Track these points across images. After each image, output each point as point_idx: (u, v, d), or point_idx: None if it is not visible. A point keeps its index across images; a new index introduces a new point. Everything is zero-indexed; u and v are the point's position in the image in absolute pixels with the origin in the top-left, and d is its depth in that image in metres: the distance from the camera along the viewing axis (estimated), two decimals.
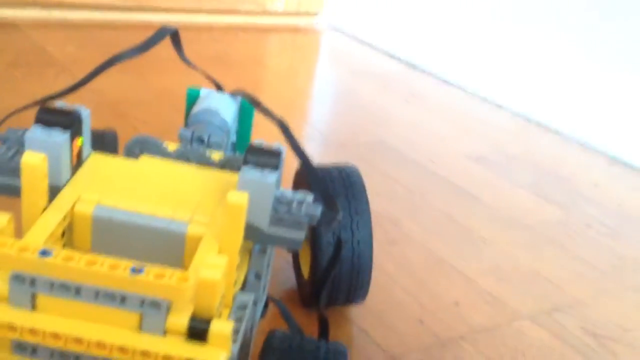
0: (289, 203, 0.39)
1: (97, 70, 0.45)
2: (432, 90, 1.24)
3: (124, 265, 0.31)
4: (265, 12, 1.43)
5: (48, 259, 0.31)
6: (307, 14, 1.49)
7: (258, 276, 0.43)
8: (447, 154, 0.96)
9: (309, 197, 0.40)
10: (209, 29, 1.33)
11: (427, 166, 0.90)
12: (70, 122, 0.38)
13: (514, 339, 0.58)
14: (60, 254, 0.31)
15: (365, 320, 0.57)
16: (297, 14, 1.47)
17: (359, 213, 0.52)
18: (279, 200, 0.39)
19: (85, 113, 0.40)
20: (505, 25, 1.21)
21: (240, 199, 0.36)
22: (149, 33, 0.49)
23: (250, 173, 0.38)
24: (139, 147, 0.45)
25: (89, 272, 0.31)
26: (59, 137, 0.38)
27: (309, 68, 1.30)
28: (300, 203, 0.39)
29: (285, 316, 0.47)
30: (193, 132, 0.49)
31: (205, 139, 0.49)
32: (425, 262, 0.67)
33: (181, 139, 0.49)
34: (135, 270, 0.31)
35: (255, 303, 0.42)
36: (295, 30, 1.47)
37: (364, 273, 0.52)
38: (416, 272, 0.65)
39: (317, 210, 0.39)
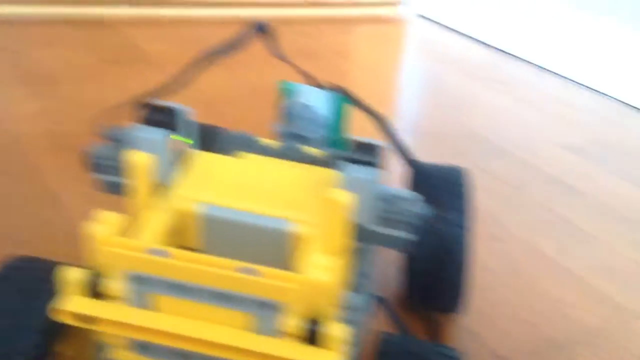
0: (394, 201, 0.37)
1: (190, 68, 0.45)
2: (524, 78, 1.20)
3: (238, 266, 0.30)
4: (350, 3, 1.41)
5: (164, 259, 0.31)
6: (393, 3, 1.46)
7: (364, 276, 0.42)
8: (543, 144, 0.92)
9: (415, 196, 0.38)
10: (293, 22, 1.33)
11: (523, 157, 0.86)
12: (172, 120, 0.38)
13: (633, 342, 0.54)
14: (175, 254, 0.31)
15: (471, 321, 0.54)
16: (383, 3, 1.45)
17: (463, 215, 0.50)
18: (384, 198, 0.37)
19: (186, 110, 0.39)
20: (597, 9, 1.15)
21: (343, 197, 0.34)
22: (236, 28, 0.47)
23: (354, 170, 0.36)
24: (236, 144, 0.44)
25: (205, 272, 0.30)
26: (162, 135, 0.37)
27: (396, 58, 1.28)
28: (407, 201, 0.37)
29: (392, 316, 0.45)
30: (289, 129, 0.48)
31: (302, 135, 0.48)
32: (529, 259, 0.64)
33: (277, 135, 0.48)
34: (250, 271, 0.30)
35: (364, 304, 0.41)
36: (381, 20, 1.45)
37: (464, 278, 0.50)
38: (521, 269, 0.62)
39: (425, 209, 0.37)
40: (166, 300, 0.32)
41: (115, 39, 1.10)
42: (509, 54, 1.30)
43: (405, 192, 0.38)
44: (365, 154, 0.37)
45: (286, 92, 0.55)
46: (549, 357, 0.51)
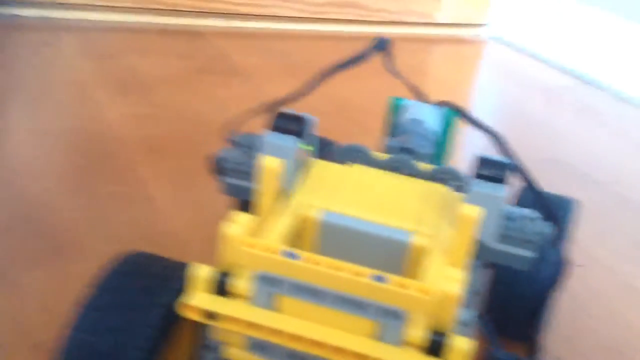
0: (517, 219, 0.38)
1: (319, 79, 0.47)
2: (607, 106, 1.18)
3: (367, 273, 0.31)
4: (430, 24, 1.42)
5: (295, 261, 0.32)
6: (473, 25, 1.47)
7: (476, 292, 0.42)
8: (632, 174, 0.90)
9: (537, 214, 0.38)
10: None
11: (611, 187, 0.85)
12: (301, 128, 0.39)
13: None
14: (305, 257, 0.32)
15: (556, 347, 0.54)
16: (462, 25, 1.45)
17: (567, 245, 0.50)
18: (506, 216, 0.38)
19: (313, 120, 0.41)
20: None
21: (473, 212, 0.35)
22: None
23: (481, 186, 0.37)
24: (350, 155, 0.46)
25: (333, 276, 0.31)
26: (292, 143, 0.38)
27: (472, 80, 1.27)
28: (530, 220, 0.38)
29: (489, 334, 0.45)
30: (399, 143, 0.49)
31: (413, 150, 0.49)
32: (616, 289, 0.63)
33: (389, 149, 0.49)
34: (378, 278, 0.31)
35: (472, 320, 0.41)
36: (459, 41, 1.45)
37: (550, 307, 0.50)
38: (607, 299, 0.62)
39: (548, 228, 0.37)
40: (291, 302, 0.33)
41: (207, 49, 1.13)
42: (587, 78, 1.28)
43: (528, 210, 0.38)
44: (493, 170, 0.37)
45: (395, 106, 0.56)
46: None
